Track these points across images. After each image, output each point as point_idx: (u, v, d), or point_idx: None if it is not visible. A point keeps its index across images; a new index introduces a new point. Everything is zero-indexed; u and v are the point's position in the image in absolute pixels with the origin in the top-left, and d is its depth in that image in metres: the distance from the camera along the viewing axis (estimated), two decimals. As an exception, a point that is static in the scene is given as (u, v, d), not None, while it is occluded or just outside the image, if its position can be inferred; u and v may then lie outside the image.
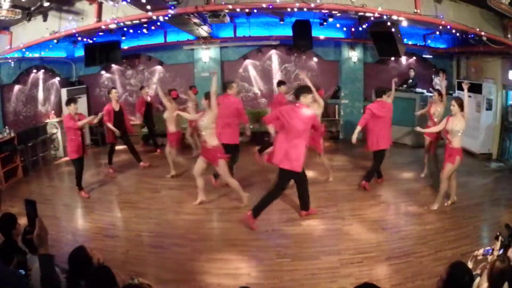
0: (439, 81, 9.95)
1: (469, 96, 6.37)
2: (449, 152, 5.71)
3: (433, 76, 10.62)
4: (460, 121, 5.54)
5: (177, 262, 4.74)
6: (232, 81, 7.75)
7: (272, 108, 7.34)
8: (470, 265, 2.99)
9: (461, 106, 5.55)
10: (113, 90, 8.21)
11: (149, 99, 9.61)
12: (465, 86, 5.85)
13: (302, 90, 5.38)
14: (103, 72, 11.11)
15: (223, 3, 6.27)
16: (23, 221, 2.67)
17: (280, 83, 8.03)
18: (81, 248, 2.91)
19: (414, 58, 10.81)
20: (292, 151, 5.22)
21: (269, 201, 5.50)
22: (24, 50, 7.77)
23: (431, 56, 10.58)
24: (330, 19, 7.84)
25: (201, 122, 5.86)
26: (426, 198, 6.42)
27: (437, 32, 8.80)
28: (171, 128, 7.59)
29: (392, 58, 10.46)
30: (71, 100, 6.69)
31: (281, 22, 8.52)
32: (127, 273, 3.60)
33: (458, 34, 7.90)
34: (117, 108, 8.03)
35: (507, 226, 3.20)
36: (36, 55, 8.92)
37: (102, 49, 9.03)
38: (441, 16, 6.34)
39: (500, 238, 3.10)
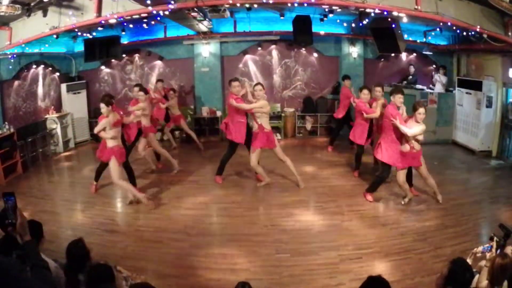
0: (439, 78, 9.95)
1: None
2: None
3: (433, 72, 10.61)
4: None
5: (177, 257, 4.75)
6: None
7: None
8: (469, 262, 3.00)
9: None
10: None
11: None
12: None
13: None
14: (102, 67, 11.07)
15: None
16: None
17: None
18: (79, 240, 2.91)
19: (415, 54, 10.78)
20: None
21: None
22: (23, 45, 7.74)
23: (431, 53, 10.55)
24: (331, 15, 7.81)
25: None
26: (426, 194, 6.43)
27: (438, 29, 8.77)
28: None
29: (392, 54, 10.43)
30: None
31: (282, 18, 8.47)
32: (127, 268, 3.61)
33: (458, 31, 7.87)
34: None
35: (501, 226, 3.18)
36: (36, 50, 8.88)
37: (102, 44, 8.98)
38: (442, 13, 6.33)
39: (495, 238, 3.08)
